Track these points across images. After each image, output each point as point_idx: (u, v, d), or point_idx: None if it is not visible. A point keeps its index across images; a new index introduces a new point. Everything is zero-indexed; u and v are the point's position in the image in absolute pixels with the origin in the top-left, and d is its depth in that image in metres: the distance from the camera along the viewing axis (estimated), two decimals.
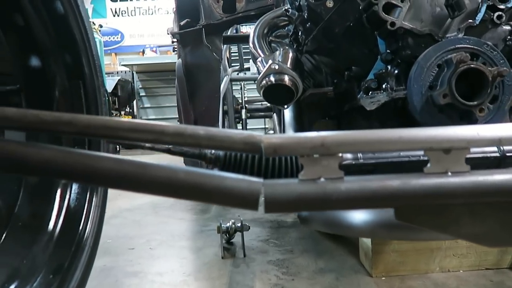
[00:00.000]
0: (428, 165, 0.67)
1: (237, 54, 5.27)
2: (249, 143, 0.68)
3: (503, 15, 1.14)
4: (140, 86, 8.16)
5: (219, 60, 2.25)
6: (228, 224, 1.67)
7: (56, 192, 1.13)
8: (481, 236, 0.77)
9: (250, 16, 2.19)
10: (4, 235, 1.01)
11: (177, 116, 2.82)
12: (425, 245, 1.34)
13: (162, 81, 7.94)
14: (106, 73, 7.35)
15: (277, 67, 1.26)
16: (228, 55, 6.05)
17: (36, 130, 0.71)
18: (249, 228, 1.67)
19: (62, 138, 1.08)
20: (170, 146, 0.98)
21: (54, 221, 1.08)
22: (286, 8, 1.41)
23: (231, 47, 6.23)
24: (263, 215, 2.22)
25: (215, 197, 0.68)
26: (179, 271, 1.50)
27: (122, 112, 7.64)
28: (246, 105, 5.59)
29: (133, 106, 8.17)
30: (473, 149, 1.07)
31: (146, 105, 8.16)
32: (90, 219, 1.13)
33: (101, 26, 7.44)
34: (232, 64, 5.28)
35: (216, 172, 0.72)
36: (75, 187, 1.16)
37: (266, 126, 7.34)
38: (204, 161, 0.98)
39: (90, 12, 9.88)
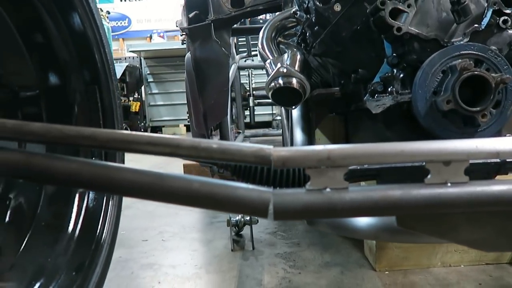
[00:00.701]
0: (429, 176, 0.72)
1: (244, 41, 5.27)
2: (259, 156, 0.73)
3: (509, 19, 1.16)
4: (148, 72, 8.18)
5: (228, 55, 2.28)
6: (237, 218, 1.74)
7: (75, 193, 1.19)
8: (478, 242, 0.81)
9: (258, 10, 2.20)
10: (28, 234, 1.08)
11: (185, 101, 2.86)
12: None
13: (170, 67, 7.96)
14: (114, 59, 7.36)
15: (285, 70, 1.30)
16: (236, 42, 6.04)
17: (59, 144, 0.76)
18: (258, 221, 1.73)
19: (80, 149, 1.13)
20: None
21: (74, 221, 1.14)
22: (294, 10, 1.43)
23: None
24: None
25: (228, 206, 0.74)
26: (191, 263, 1.57)
27: (131, 98, 7.70)
28: (254, 92, 5.62)
29: (141, 92, 8.22)
30: None
31: (154, 91, 8.20)
32: (107, 218, 1.19)
33: (108, 12, 7.43)
34: (239, 50, 5.29)
35: (228, 182, 0.77)
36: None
37: (274, 111, 7.37)
38: (216, 166, 1.03)
39: None
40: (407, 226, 0.80)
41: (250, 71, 5.81)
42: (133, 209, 2.42)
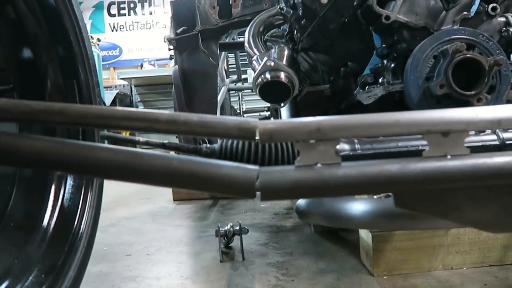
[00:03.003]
0: (427, 148, 0.66)
1: (235, 65, 5.29)
2: (243, 129, 0.67)
3: (498, 6, 1.14)
4: (139, 100, 8.17)
5: (215, 65, 2.25)
6: (226, 228, 1.65)
7: (49, 192, 1.11)
8: (482, 221, 0.75)
9: (246, 21, 2.19)
10: None
11: None
12: (427, 242, 1.32)
13: (160, 94, 7.96)
14: (104, 87, 7.36)
15: (272, 63, 1.26)
16: (226, 67, 6.09)
17: (28, 120, 0.70)
18: (248, 231, 1.65)
19: (56, 131, 1.06)
20: (165, 142, 0.97)
21: (48, 221, 1.06)
22: (281, 6, 1.41)
23: (229, 58, 6.26)
24: (262, 220, 2.20)
25: (211, 185, 0.67)
26: (177, 275, 1.47)
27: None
28: (244, 116, 5.60)
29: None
30: (472, 138, 1.06)
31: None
32: (84, 219, 1.11)
33: (99, 40, 7.49)
34: (230, 76, 5.31)
35: (211, 160, 0.70)
36: (69, 187, 1.14)
37: None
38: (200, 156, 0.96)
39: (88, 27, 9.96)
40: (406, 206, 0.73)
41: (240, 94, 5.83)
42: (119, 226, 2.32)
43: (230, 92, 5.56)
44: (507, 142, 0.95)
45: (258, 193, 0.65)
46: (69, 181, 1.14)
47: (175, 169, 0.66)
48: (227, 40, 2.94)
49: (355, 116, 0.69)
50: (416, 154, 0.96)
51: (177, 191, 3.05)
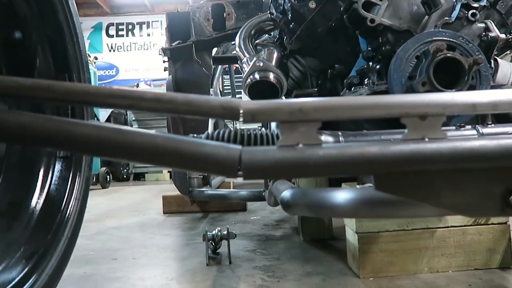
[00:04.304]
0: (406, 131, 0.68)
1: (229, 86, 5.36)
2: (227, 108, 0.68)
3: (477, 13, 1.19)
4: (134, 118, 8.19)
5: (208, 75, 2.30)
6: (214, 232, 1.64)
7: (36, 182, 1.11)
8: (461, 206, 0.76)
9: None
10: None
11: None
12: (413, 244, 1.32)
13: (155, 113, 7.99)
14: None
15: (261, 64, 1.29)
16: (221, 87, 6.16)
17: (15, 96, 0.71)
18: (235, 236, 1.64)
19: (45, 111, 1.07)
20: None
21: (32, 210, 1.06)
22: (270, 11, 1.46)
23: (224, 79, 6.34)
24: (251, 230, 2.18)
25: (193, 164, 0.68)
26: (162, 276, 1.45)
27: None
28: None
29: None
30: (452, 133, 1.08)
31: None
32: (69, 210, 1.11)
33: (96, 58, 7.58)
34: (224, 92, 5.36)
35: (195, 139, 0.71)
36: (55, 178, 1.14)
37: None
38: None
39: (87, 47, 10.10)
40: (386, 189, 0.75)
41: None
42: (106, 234, 2.29)
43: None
44: (485, 136, 0.98)
45: (240, 171, 0.66)
46: (56, 173, 1.14)
47: (159, 146, 0.67)
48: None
49: (336, 98, 0.71)
50: None
51: (167, 203, 3.03)
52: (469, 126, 1.01)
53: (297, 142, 0.66)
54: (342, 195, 0.97)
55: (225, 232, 1.64)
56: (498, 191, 0.73)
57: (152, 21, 10.10)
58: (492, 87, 1.21)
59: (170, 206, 3.05)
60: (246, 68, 1.34)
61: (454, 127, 1.03)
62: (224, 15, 2.26)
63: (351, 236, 1.37)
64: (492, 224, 1.33)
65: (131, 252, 1.82)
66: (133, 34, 10.24)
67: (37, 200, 1.08)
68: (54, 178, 1.12)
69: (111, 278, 1.46)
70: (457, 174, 0.74)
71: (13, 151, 1.12)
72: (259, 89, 1.31)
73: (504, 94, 0.72)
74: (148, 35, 10.23)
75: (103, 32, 10.22)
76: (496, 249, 1.33)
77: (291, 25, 1.34)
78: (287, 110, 0.67)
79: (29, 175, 1.10)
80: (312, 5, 1.29)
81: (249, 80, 1.30)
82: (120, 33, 10.26)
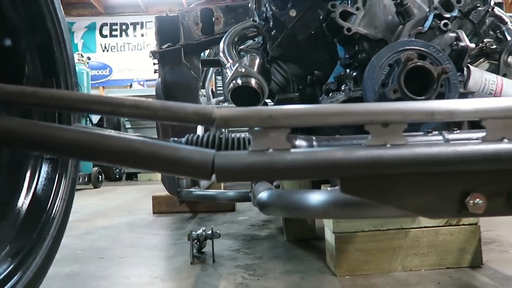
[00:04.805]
0: (369, 137, 0.73)
1: (222, 87, 5.41)
2: (201, 114, 0.73)
3: (449, 23, 1.25)
4: (126, 119, 8.20)
5: (197, 78, 2.34)
6: (198, 232, 1.68)
7: (23, 183, 1.15)
8: (422, 207, 0.81)
9: None
10: None
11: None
12: (388, 244, 1.37)
13: None
14: None
15: (243, 70, 1.34)
16: (214, 88, 6.21)
17: (2, 102, 0.75)
18: (220, 236, 1.68)
19: (33, 116, 1.11)
20: (135, 135, 1.03)
21: (19, 209, 1.10)
22: (254, 19, 1.51)
23: (217, 80, 6.39)
24: (237, 230, 2.23)
25: (170, 166, 0.72)
26: (147, 274, 1.50)
27: None
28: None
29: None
30: (421, 138, 1.14)
31: (127, 126, 8.16)
32: (54, 210, 1.15)
33: (89, 58, 7.58)
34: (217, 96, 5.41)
35: (171, 143, 0.76)
36: (42, 179, 1.19)
37: None
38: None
39: (80, 47, 10.09)
40: (351, 192, 0.79)
41: None
42: (95, 234, 2.32)
43: None
44: (451, 141, 1.03)
45: (213, 174, 0.71)
46: (43, 174, 1.18)
47: (137, 150, 0.72)
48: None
49: (305, 106, 0.76)
50: None
51: (157, 203, 3.07)
52: (436, 132, 1.07)
53: (267, 147, 0.71)
54: (314, 197, 1.02)
55: (210, 232, 1.68)
56: (455, 194, 0.79)
57: (146, 22, 10.12)
58: (463, 94, 1.27)
59: (160, 206, 3.09)
60: (229, 73, 1.39)
61: (422, 133, 1.08)
62: (213, 19, 2.30)
63: (329, 236, 1.43)
64: (463, 224, 1.39)
65: (119, 252, 1.86)
66: (126, 35, 10.25)
67: (23, 200, 1.12)
68: (40, 179, 1.16)
69: (98, 276, 1.50)
70: (418, 177, 0.79)
71: (1, 153, 1.16)
72: (241, 94, 1.36)
73: (459, 103, 0.77)
74: (142, 35, 10.24)
75: (97, 32, 10.22)
76: (466, 248, 1.39)
77: (272, 32, 1.39)
78: (258, 117, 0.72)
79: (16, 176, 1.14)
80: (293, 13, 1.34)
81: (231, 85, 1.35)
82: (113, 33, 10.26)
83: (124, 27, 10.29)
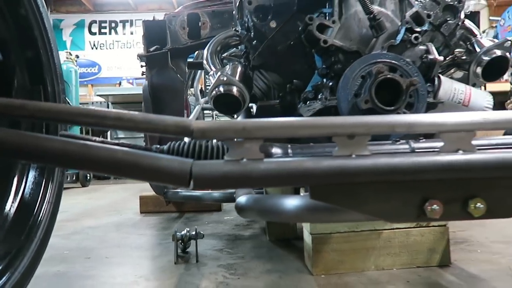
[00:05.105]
0: (336, 148, 0.79)
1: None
2: (180, 126, 0.79)
3: (419, 36, 1.32)
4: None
5: (183, 82, 2.39)
6: (183, 232, 1.74)
7: (11, 187, 1.20)
8: (384, 212, 0.88)
9: None
10: None
11: None
12: (361, 244, 1.45)
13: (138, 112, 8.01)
14: (80, 103, 7.38)
15: (225, 78, 1.40)
16: (204, 87, 6.24)
17: None
18: (203, 236, 1.74)
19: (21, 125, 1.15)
20: (119, 142, 1.09)
21: (7, 212, 1.14)
22: (236, 28, 1.57)
23: (206, 80, 6.42)
24: (222, 230, 2.29)
25: (150, 175, 0.78)
26: (132, 274, 1.55)
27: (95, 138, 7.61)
28: None
29: (107, 136, 8.17)
30: (389, 146, 1.21)
31: (120, 135, 8.17)
32: (42, 213, 1.20)
33: (77, 56, 7.56)
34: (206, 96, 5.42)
35: (152, 153, 0.82)
36: (29, 183, 1.23)
37: None
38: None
39: (68, 44, 10.03)
40: (320, 198, 0.86)
41: (214, 113, 5.98)
42: (82, 234, 2.37)
43: (205, 111, 5.70)
44: (416, 150, 1.10)
45: (191, 182, 0.77)
46: (30, 178, 1.23)
47: (120, 159, 0.77)
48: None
49: (276, 119, 0.82)
50: None
51: (144, 203, 3.11)
52: (404, 141, 1.14)
53: (242, 157, 0.77)
54: (288, 202, 1.09)
55: (194, 233, 1.74)
56: (415, 200, 0.86)
57: (135, 20, 10.09)
58: (432, 104, 1.34)
59: (147, 206, 3.13)
60: (212, 81, 1.45)
61: (390, 141, 1.15)
62: (199, 24, 2.35)
63: (307, 237, 1.50)
64: (433, 226, 1.47)
65: (105, 252, 1.91)
66: (116, 32, 10.22)
67: (11, 204, 1.16)
68: (28, 183, 1.21)
69: (84, 276, 1.55)
70: (381, 185, 0.86)
71: None
72: (223, 101, 1.42)
73: (418, 118, 0.84)
74: (131, 33, 10.22)
75: (86, 29, 10.17)
76: (436, 248, 1.47)
77: (254, 42, 1.45)
78: (233, 129, 0.78)
79: (4, 181, 1.18)
80: (273, 24, 1.40)
81: (214, 92, 1.41)
82: (103, 30, 10.22)
83: (113, 24, 10.25)
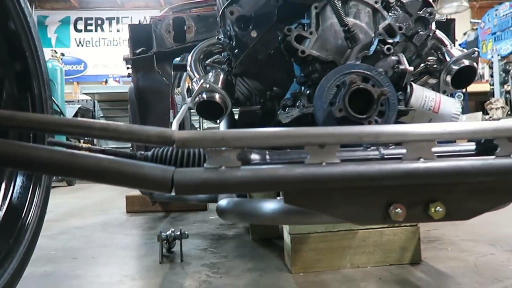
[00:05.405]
0: (308, 157, 0.86)
1: None
2: (162, 137, 0.85)
3: (391, 47, 1.40)
4: (102, 115, 8.17)
5: (168, 85, 2.44)
6: (168, 233, 1.80)
7: None
8: (353, 215, 0.95)
9: None
10: None
11: None
12: (338, 244, 1.53)
13: (124, 110, 7.99)
14: (66, 101, 7.33)
15: (208, 86, 1.46)
16: (191, 86, 6.25)
17: None
18: (188, 236, 1.80)
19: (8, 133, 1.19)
20: (105, 148, 1.14)
21: None
22: (219, 37, 1.63)
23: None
24: (207, 230, 2.35)
25: (134, 182, 0.84)
26: (118, 273, 1.60)
27: (82, 140, 7.60)
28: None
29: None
30: (360, 153, 1.29)
31: None
32: (30, 216, 1.24)
33: (63, 54, 7.50)
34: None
35: (135, 161, 0.88)
36: (17, 188, 1.28)
37: None
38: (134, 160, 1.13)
39: (53, 42, 9.94)
40: (293, 203, 0.93)
41: None
42: (69, 234, 2.40)
43: (192, 110, 5.73)
44: (385, 156, 1.18)
45: (172, 188, 0.83)
46: (18, 182, 1.27)
47: (105, 167, 0.83)
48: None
49: (253, 129, 0.89)
50: None
51: (131, 203, 3.15)
52: (374, 147, 1.21)
53: (220, 165, 0.84)
54: (265, 206, 1.16)
55: (178, 233, 1.80)
56: (380, 204, 0.93)
57: (122, 17, 10.05)
58: (403, 111, 1.42)
59: (134, 206, 3.18)
60: (196, 87, 1.50)
61: (362, 148, 1.23)
62: (185, 28, 2.40)
63: (286, 237, 1.57)
64: (405, 226, 1.56)
65: (92, 252, 1.96)
66: (102, 30, 10.16)
67: (0, 208, 1.21)
68: (16, 188, 1.26)
69: (71, 276, 1.60)
70: (349, 190, 0.93)
71: None
72: (206, 107, 1.48)
73: (383, 128, 0.92)
74: (118, 30, 10.17)
75: (71, 26, 10.08)
76: (407, 247, 1.55)
77: (235, 51, 1.51)
78: (212, 139, 0.84)
79: None
80: (254, 34, 1.46)
81: (197, 99, 1.47)
82: (88, 28, 10.15)
83: (99, 22, 10.19)
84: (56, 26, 9.96)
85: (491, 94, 6.38)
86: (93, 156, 0.84)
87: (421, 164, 0.89)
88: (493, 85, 6.28)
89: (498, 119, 5.41)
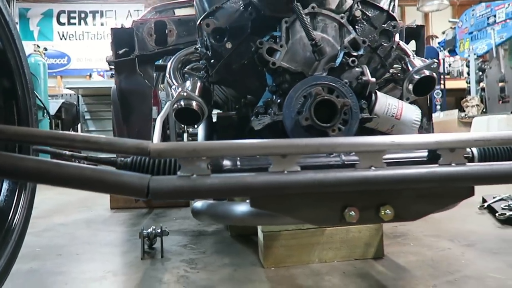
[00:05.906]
0: (271, 166, 0.97)
1: None
2: (139, 148, 0.95)
3: (356, 60, 1.51)
4: (86, 110, 8.15)
5: (151, 87, 2.51)
6: (149, 230, 1.90)
7: None
8: (312, 217, 1.06)
9: (179, 49, 2.48)
10: None
11: None
12: (307, 240, 1.65)
13: (108, 105, 7.98)
14: (49, 96, 7.30)
15: (185, 94, 1.55)
16: (170, 94, 6.28)
17: None
18: (168, 233, 1.90)
19: None
20: (87, 155, 1.23)
21: None
22: (196, 46, 1.72)
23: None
24: (188, 226, 2.45)
25: (114, 188, 0.94)
26: (101, 269, 1.70)
27: None
28: (188, 130, 5.84)
29: (77, 129, 8.13)
30: (323, 159, 1.41)
31: (91, 128, 8.13)
32: (16, 217, 1.33)
33: (46, 49, 7.45)
34: None
35: (115, 170, 0.98)
36: (4, 191, 1.36)
37: None
38: (115, 167, 1.23)
39: (36, 35, 9.82)
40: (258, 206, 1.04)
41: None
42: (53, 231, 2.48)
43: None
44: (346, 162, 1.30)
45: (148, 194, 0.92)
46: (5, 186, 1.35)
47: (88, 177, 0.92)
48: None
49: (222, 141, 0.99)
50: None
51: (115, 199, 3.23)
52: (336, 154, 1.33)
53: (192, 173, 0.94)
54: (235, 208, 1.28)
55: (159, 230, 1.90)
56: (337, 207, 1.05)
57: (106, 11, 9.97)
58: (367, 119, 1.53)
59: (117, 203, 3.25)
60: (174, 94, 1.59)
61: (325, 154, 1.34)
62: (166, 31, 2.48)
63: (260, 234, 1.68)
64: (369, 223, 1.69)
65: (76, 248, 2.04)
66: (85, 23, 10.07)
67: None
68: (3, 191, 1.34)
69: (55, 272, 1.68)
70: (308, 195, 1.05)
71: None
72: (184, 114, 1.57)
73: (339, 140, 1.03)
74: (102, 24, 10.09)
75: (54, 19, 9.96)
76: (371, 243, 1.68)
77: (211, 61, 1.60)
78: (184, 150, 0.95)
79: None
80: (229, 45, 1.56)
81: (175, 106, 1.56)
82: (72, 21, 10.04)
83: (83, 15, 10.09)
84: (38, 19, 9.84)
85: (467, 92, 6.59)
86: (77, 166, 0.93)
87: (371, 172, 1.01)
88: (469, 83, 6.49)
89: (473, 116, 5.61)
